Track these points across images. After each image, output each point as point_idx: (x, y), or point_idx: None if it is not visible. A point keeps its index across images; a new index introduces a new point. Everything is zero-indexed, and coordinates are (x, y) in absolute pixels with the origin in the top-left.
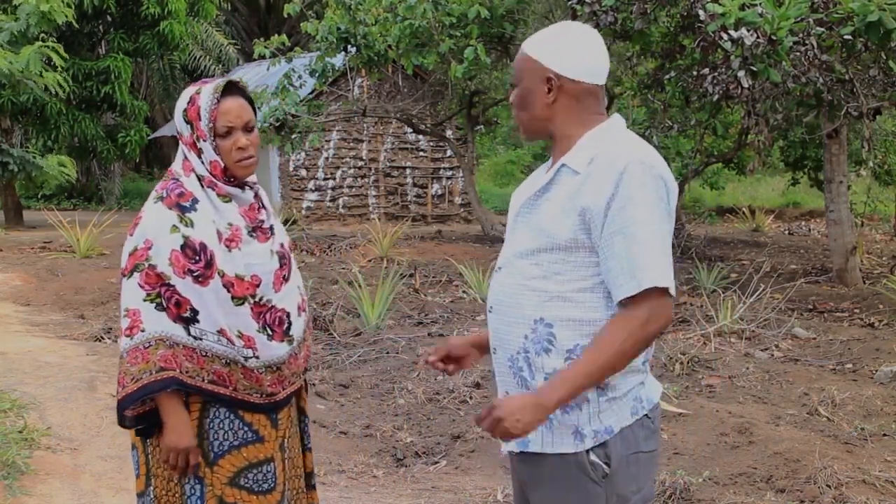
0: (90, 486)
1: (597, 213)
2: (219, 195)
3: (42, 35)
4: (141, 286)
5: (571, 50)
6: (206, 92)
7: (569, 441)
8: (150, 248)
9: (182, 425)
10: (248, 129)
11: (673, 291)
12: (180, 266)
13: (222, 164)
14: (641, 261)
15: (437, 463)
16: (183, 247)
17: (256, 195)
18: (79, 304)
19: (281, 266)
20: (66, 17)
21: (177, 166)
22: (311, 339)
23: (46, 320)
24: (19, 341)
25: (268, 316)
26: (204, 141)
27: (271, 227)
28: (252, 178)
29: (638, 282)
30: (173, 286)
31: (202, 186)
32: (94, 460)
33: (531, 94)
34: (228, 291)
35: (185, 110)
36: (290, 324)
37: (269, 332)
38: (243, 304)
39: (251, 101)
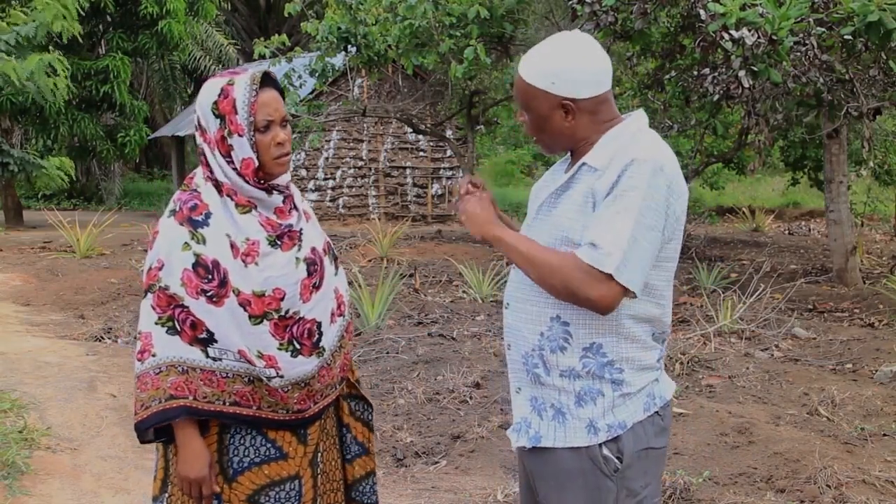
0: (90, 486)
1: (599, 199)
2: (238, 205)
3: (47, 43)
4: (153, 308)
5: (578, 71)
6: (242, 83)
7: (582, 435)
8: (161, 269)
9: (194, 455)
10: (283, 123)
11: (630, 287)
12: (193, 286)
13: (256, 162)
14: (611, 249)
15: (437, 463)
16: (195, 265)
17: (288, 196)
18: (79, 304)
19: (310, 274)
20: (74, 31)
21: (198, 175)
22: (351, 345)
23: (46, 320)
24: (19, 341)
25: (295, 329)
26: (240, 136)
27: (300, 232)
28: (285, 178)
29: (598, 257)
30: (187, 307)
31: (220, 196)
32: (94, 460)
33: (548, 121)
34: (245, 310)
35: (215, 103)
36: (320, 335)
37: (296, 347)
38: (262, 322)
39: (283, 94)
